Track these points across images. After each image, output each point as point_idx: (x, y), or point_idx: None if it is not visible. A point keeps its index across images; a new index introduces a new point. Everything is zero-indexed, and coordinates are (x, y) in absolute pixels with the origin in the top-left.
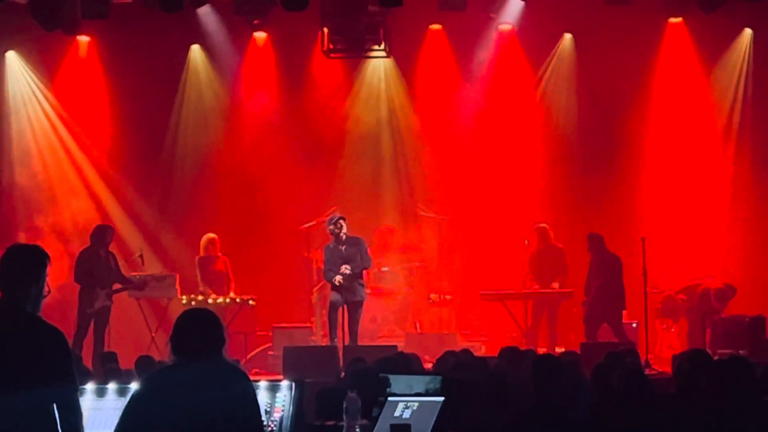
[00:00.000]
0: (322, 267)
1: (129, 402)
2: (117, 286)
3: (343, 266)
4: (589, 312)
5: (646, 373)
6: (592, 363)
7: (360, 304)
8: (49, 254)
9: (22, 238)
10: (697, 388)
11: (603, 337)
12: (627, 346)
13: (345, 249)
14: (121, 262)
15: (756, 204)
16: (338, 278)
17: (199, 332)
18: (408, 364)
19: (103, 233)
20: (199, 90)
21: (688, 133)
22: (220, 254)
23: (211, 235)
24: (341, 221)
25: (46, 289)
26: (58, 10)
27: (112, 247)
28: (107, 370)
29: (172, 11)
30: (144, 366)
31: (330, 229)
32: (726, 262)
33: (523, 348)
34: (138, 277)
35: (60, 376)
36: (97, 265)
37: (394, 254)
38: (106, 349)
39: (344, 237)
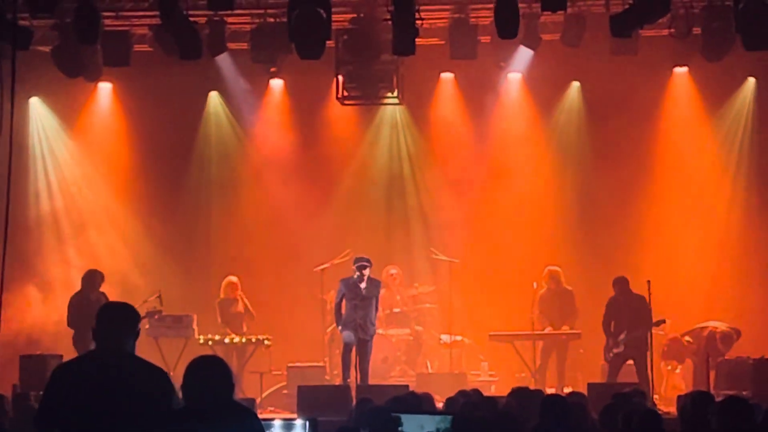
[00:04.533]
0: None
1: None
2: None
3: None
4: (618, 352)
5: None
6: (599, 403)
7: (369, 341)
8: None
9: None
10: (701, 429)
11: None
12: (634, 386)
13: (365, 288)
14: (139, 303)
15: (761, 250)
16: (345, 333)
17: (207, 382)
18: (419, 404)
19: (92, 277)
20: (217, 136)
21: (693, 179)
22: (239, 296)
23: (232, 278)
24: (368, 268)
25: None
26: (81, 58)
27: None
28: None
29: (191, 59)
30: None
31: (356, 267)
32: (731, 306)
33: (532, 388)
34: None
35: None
36: (89, 308)
37: (405, 295)
38: None
39: (367, 277)
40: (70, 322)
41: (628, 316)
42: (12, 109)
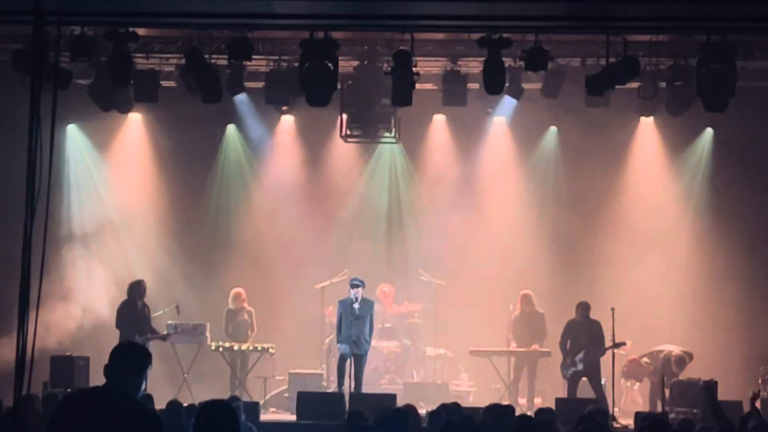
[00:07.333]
0: (335, 320)
1: None
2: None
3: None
4: (576, 370)
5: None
6: (566, 417)
7: (364, 356)
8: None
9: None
10: None
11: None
12: (595, 403)
13: (358, 308)
14: (158, 312)
15: (716, 283)
16: (341, 346)
17: (215, 425)
18: (405, 419)
19: (138, 286)
20: (233, 163)
21: (657, 215)
22: (245, 306)
23: (238, 289)
24: (360, 288)
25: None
26: (114, 95)
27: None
28: None
29: (212, 102)
30: (172, 411)
31: (350, 286)
32: (686, 332)
33: (505, 400)
34: (172, 326)
35: None
36: (136, 315)
37: (396, 312)
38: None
39: (360, 298)
40: (118, 325)
41: (587, 338)
42: (51, 148)
